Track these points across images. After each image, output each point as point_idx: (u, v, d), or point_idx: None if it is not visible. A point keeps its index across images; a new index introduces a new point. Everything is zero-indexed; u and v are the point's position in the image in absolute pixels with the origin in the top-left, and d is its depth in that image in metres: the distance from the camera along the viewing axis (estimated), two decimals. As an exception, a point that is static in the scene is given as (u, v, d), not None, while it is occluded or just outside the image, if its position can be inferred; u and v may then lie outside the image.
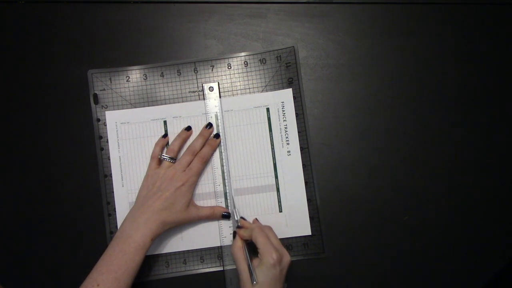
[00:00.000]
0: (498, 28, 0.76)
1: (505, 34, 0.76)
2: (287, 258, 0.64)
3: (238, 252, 0.66)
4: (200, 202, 0.72)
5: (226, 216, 0.71)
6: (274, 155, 0.73)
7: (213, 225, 0.72)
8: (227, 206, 0.72)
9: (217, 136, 0.72)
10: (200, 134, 0.72)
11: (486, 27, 0.76)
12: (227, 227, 0.71)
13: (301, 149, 0.73)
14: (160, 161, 0.70)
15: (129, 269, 0.61)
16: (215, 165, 0.72)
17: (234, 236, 0.69)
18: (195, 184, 0.70)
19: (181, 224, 0.68)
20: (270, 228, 0.68)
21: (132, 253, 0.62)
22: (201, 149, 0.71)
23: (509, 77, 0.75)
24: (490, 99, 0.75)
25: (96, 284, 0.59)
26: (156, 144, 0.71)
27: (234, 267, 0.69)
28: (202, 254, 0.72)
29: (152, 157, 0.70)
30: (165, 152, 0.70)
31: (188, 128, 0.73)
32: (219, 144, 0.72)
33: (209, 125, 0.72)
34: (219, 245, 0.72)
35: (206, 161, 0.71)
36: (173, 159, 0.69)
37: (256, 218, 0.71)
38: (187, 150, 0.70)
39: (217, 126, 0.73)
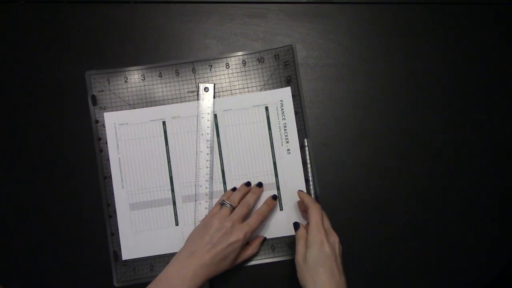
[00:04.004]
0: (498, 28, 0.76)
1: (505, 34, 0.76)
2: (334, 237, 0.64)
3: (301, 237, 0.65)
4: (200, 203, 0.72)
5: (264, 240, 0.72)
6: (274, 153, 0.73)
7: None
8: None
9: (275, 197, 0.72)
10: (253, 192, 0.71)
11: (486, 27, 0.76)
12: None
13: (301, 147, 0.73)
14: (221, 206, 0.69)
15: None
16: (216, 165, 0.73)
17: (296, 226, 0.67)
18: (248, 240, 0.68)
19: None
20: (325, 214, 0.67)
21: None
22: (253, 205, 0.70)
23: (509, 77, 0.75)
24: (490, 99, 0.75)
25: None
26: (224, 194, 0.71)
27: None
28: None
29: (216, 203, 0.70)
30: (227, 199, 0.69)
31: (248, 184, 0.72)
32: (275, 205, 0.72)
33: (260, 184, 0.72)
34: None
35: (263, 219, 0.69)
36: (233, 208, 0.68)
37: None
38: (242, 203, 0.69)
39: (212, 127, 0.73)
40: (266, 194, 0.72)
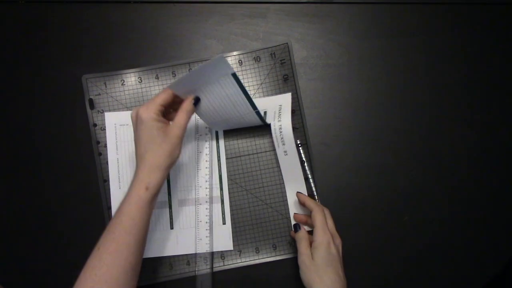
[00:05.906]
0: (498, 28, 0.75)
1: (505, 34, 0.75)
2: (338, 239, 0.65)
3: (302, 238, 0.66)
4: (199, 206, 0.72)
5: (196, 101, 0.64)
6: (272, 155, 0.73)
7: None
8: (223, 211, 0.72)
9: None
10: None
11: (486, 27, 0.75)
12: (203, 230, 0.71)
13: (300, 145, 0.72)
14: None
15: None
16: (214, 170, 0.73)
17: (296, 228, 0.67)
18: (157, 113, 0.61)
19: (176, 153, 0.61)
20: (328, 210, 0.68)
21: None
22: None
23: (509, 77, 0.75)
24: (490, 99, 0.74)
25: (97, 248, 0.58)
26: None
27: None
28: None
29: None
30: None
31: None
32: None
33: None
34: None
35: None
36: None
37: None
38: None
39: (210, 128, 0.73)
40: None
